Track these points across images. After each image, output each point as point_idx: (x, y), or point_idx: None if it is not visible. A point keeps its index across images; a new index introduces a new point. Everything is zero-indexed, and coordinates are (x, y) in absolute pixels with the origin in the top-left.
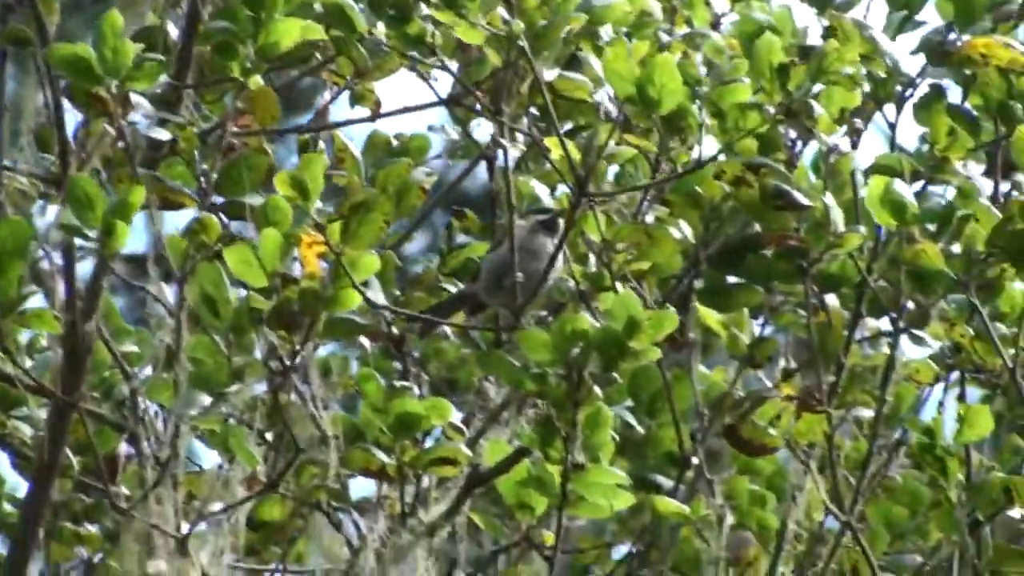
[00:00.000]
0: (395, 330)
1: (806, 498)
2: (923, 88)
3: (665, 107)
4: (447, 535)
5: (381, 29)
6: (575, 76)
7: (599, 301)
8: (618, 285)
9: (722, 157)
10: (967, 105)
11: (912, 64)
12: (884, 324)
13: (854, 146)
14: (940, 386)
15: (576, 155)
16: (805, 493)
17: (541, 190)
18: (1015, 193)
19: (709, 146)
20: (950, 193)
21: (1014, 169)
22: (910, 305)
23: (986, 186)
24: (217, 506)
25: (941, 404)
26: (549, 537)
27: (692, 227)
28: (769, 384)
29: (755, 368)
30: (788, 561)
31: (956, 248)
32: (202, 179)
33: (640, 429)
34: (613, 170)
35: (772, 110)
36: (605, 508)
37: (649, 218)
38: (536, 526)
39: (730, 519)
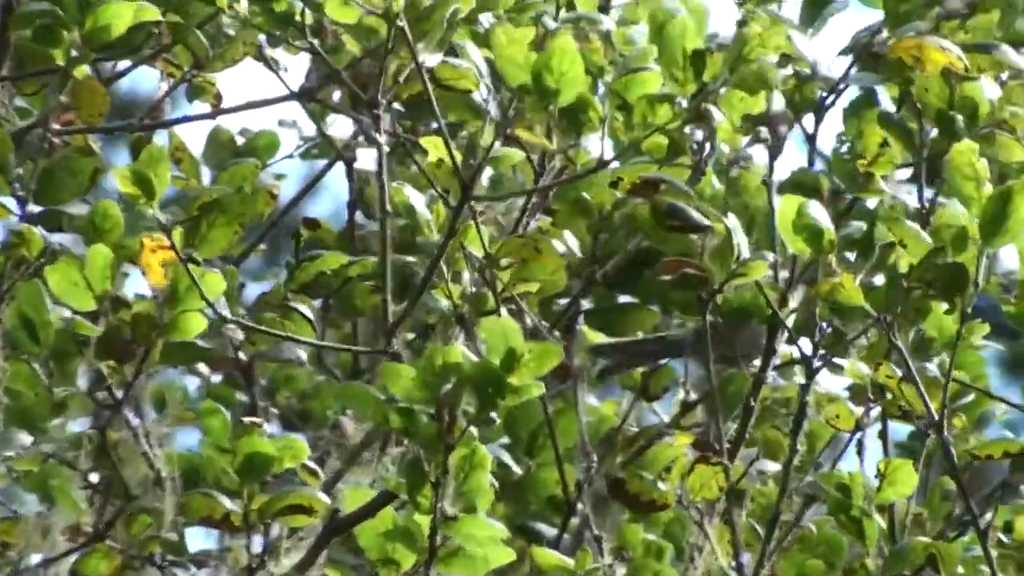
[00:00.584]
0: (243, 355)
1: (705, 559)
2: (851, 93)
3: (564, 98)
4: None
5: (244, 5)
6: (460, 63)
7: (479, 327)
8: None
9: (616, 163)
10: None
11: (837, 66)
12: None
13: (773, 158)
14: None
15: (458, 156)
16: (705, 555)
17: (416, 198)
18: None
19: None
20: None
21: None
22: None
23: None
24: (35, 559)
25: (860, 446)
26: None
27: (579, 239)
28: (666, 418)
29: (650, 401)
30: None
31: (879, 280)
32: (18, 185)
33: (518, 470)
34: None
35: (684, 103)
36: (481, 564)
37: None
38: None
39: (621, 573)
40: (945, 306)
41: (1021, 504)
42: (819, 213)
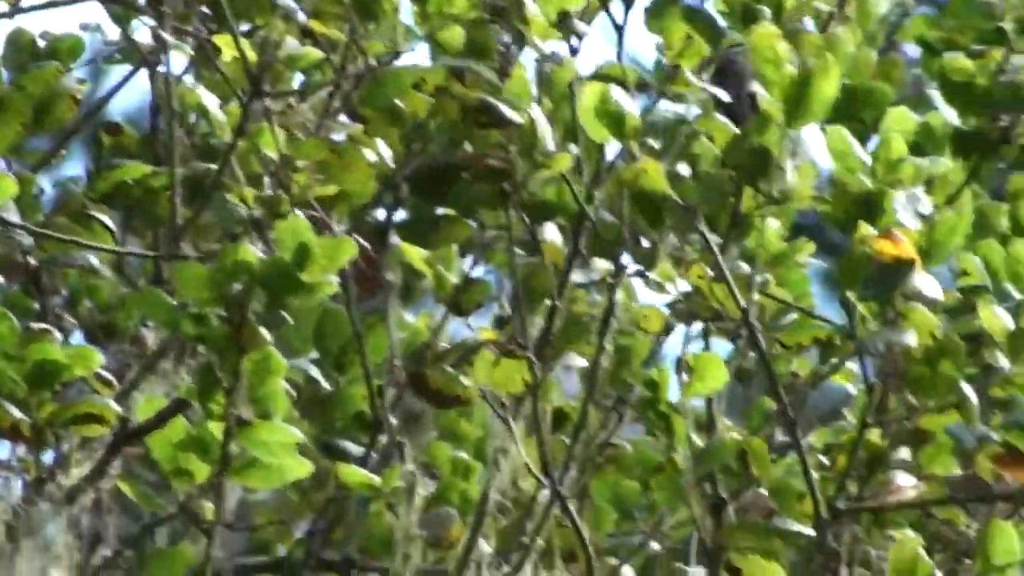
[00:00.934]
0: (33, 261)
1: (511, 464)
2: None
3: None
4: (92, 505)
5: None
6: None
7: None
8: (300, 213)
9: (426, 60)
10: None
11: None
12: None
13: (575, 52)
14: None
15: (252, 56)
16: (510, 457)
17: (209, 99)
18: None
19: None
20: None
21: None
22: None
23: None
24: None
25: (680, 359)
26: (209, 508)
27: (391, 147)
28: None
29: (463, 315)
30: (492, 537)
31: (684, 169)
32: None
33: (327, 386)
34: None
35: None
36: (276, 475)
37: (340, 136)
38: (197, 496)
39: (428, 491)
40: (774, 223)
41: (841, 426)
42: (622, 98)
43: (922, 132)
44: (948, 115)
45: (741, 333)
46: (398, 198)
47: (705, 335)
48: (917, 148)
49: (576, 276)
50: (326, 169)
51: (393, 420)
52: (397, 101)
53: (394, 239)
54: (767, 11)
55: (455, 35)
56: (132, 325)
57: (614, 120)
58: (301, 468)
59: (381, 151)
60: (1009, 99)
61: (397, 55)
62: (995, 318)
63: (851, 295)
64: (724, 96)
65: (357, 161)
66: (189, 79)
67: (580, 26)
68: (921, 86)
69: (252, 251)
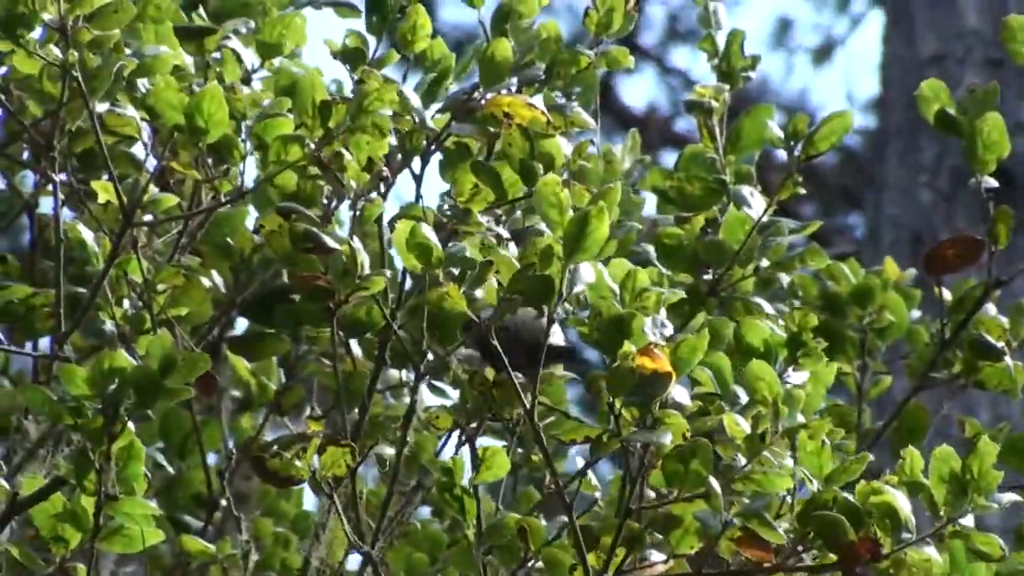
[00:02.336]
0: None
1: (330, 536)
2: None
3: (212, 135)
4: None
5: None
6: (125, 111)
7: (138, 344)
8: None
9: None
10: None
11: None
12: (407, 375)
13: (383, 196)
14: (457, 436)
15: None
16: (329, 531)
17: (87, 234)
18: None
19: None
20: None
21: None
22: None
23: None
24: None
25: (459, 448)
26: (82, 570)
27: (223, 277)
28: (296, 431)
29: (282, 415)
30: None
31: (479, 294)
32: None
33: (171, 470)
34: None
35: (313, 145)
36: (137, 541)
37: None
38: (71, 558)
39: (255, 558)
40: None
41: (587, 480)
42: (429, 233)
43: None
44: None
45: (517, 429)
46: (229, 319)
47: (477, 429)
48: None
49: (382, 384)
50: (175, 292)
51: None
52: (228, 240)
53: (225, 352)
54: (540, 168)
55: (288, 180)
56: (14, 418)
57: (423, 251)
58: (156, 536)
59: (215, 279)
60: (711, 256)
61: (242, 195)
62: (735, 424)
63: (617, 402)
64: (505, 235)
65: (195, 287)
66: (65, 216)
67: (385, 171)
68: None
69: (126, 359)
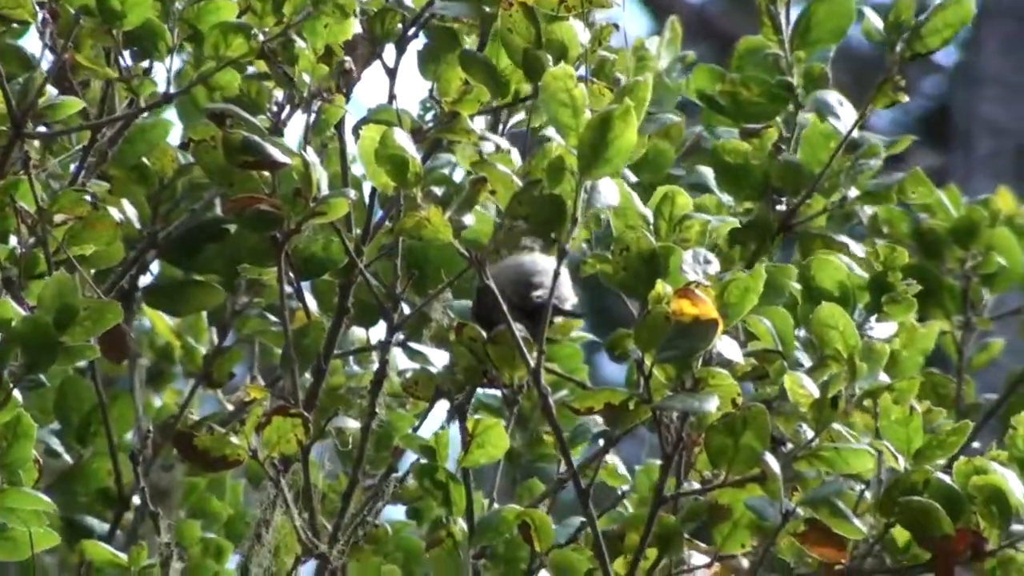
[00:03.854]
0: None
1: (275, 536)
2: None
3: (131, 20)
4: None
5: None
6: None
7: (28, 290)
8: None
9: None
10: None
11: None
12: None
13: (346, 96)
14: (444, 406)
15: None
16: (273, 530)
17: None
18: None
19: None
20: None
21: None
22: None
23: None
24: None
25: (451, 414)
26: None
27: (138, 208)
28: (231, 407)
29: (214, 387)
30: None
31: (468, 220)
32: None
33: (68, 458)
34: None
35: (262, 36)
36: (24, 545)
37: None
38: None
39: (178, 567)
40: None
41: (611, 466)
42: (405, 142)
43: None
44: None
45: (517, 400)
46: (145, 262)
47: (468, 400)
48: None
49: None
50: (74, 228)
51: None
52: (145, 159)
53: (139, 304)
54: (550, 59)
55: (230, 82)
56: None
57: (396, 164)
58: (49, 539)
59: (127, 211)
60: (786, 182)
61: (169, 99)
62: (799, 387)
63: (647, 358)
64: (504, 145)
65: (103, 221)
66: None
67: (348, 63)
68: (701, 142)
69: (13, 308)
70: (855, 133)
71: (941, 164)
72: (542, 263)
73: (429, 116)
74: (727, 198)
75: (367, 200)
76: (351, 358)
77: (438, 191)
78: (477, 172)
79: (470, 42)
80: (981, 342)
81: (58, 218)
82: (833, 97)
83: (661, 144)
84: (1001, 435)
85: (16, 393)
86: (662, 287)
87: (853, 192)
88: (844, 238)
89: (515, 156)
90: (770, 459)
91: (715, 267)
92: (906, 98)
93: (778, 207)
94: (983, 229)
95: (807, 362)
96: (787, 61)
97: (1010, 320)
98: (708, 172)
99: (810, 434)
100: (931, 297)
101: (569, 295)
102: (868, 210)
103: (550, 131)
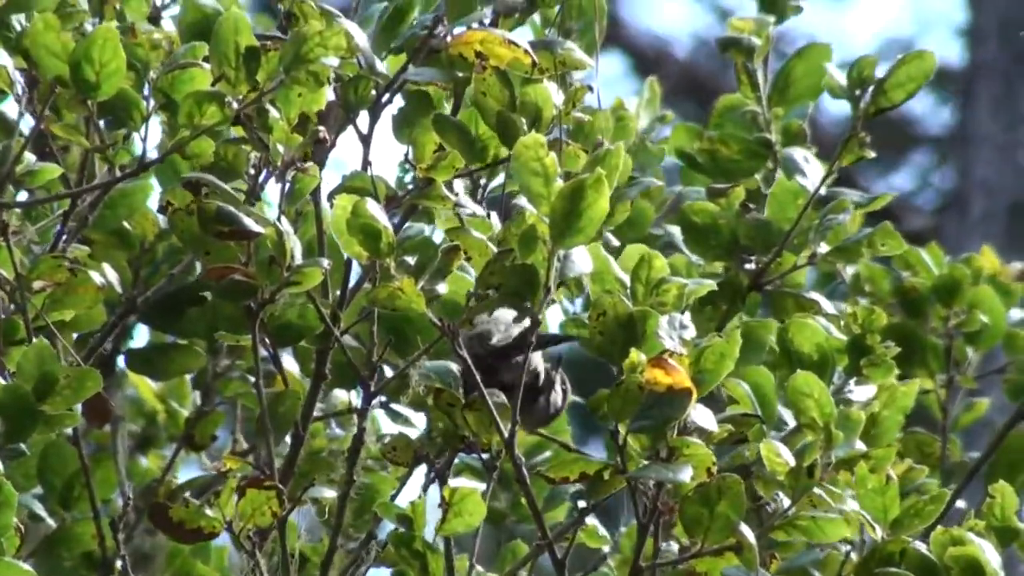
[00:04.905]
0: None
1: None
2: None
3: (105, 91)
4: None
5: None
6: None
7: (8, 357)
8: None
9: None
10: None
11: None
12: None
13: (320, 164)
14: (422, 471)
15: None
16: None
17: None
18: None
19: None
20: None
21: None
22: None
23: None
24: None
25: (425, 489)
26: None
27: (119, 272)
28: (213, 471)
29: (196, 450)
30: None
31: (442, 288)
32: None
33: (52, 523)
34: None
35: (236, 104)
36: None
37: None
38: None
39: None
40: None
41: (591, 527)
42: (377, 212)
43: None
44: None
45: (496, 466)
46: (126, 326)
47: (447, 466)
48: None
49: (319, 406)
50: (54, 293)
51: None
52: (125, 223)
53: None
54: (524, 122)
55: (204, 149)
56: None
57: (368, 234)
58: None
59: (108, 275)
60: (755, 240)
61: (145, 167)
62: (775, 455)
63: (621, 427)
64: (480, 211)
65: (85, 285)
66: None
67: (322, 132)
68: (681, 201)
69: None
70: (823, 189)
71: (934, 225)
72: (499, 314)
73: (408, 178)
74: (696, 258)
75: (344, 264)
76: (332, 420)
77: (411, 260)
78: (452, 239)
79: (447, 106)
80: (967, 401)
81: (37, 285)
82: (799, 154)
83: (641, 204)
84: (984, 496)
85: None
86: (636, 356)
87: (823, 248)
88: (819, 297)
89: (494, 220)
90: (745, 529)
91: (691, 332)
92: (872, 154)
93: (747, 266)
94: (966, 287)
95: (791, 421)
96: (765, 118)
97: (995, 379)
98: (678, 231)
99: (787, 502)
100: (914, 356)
101: (538, 361)
102: (850, 269)
103: (522, 200)
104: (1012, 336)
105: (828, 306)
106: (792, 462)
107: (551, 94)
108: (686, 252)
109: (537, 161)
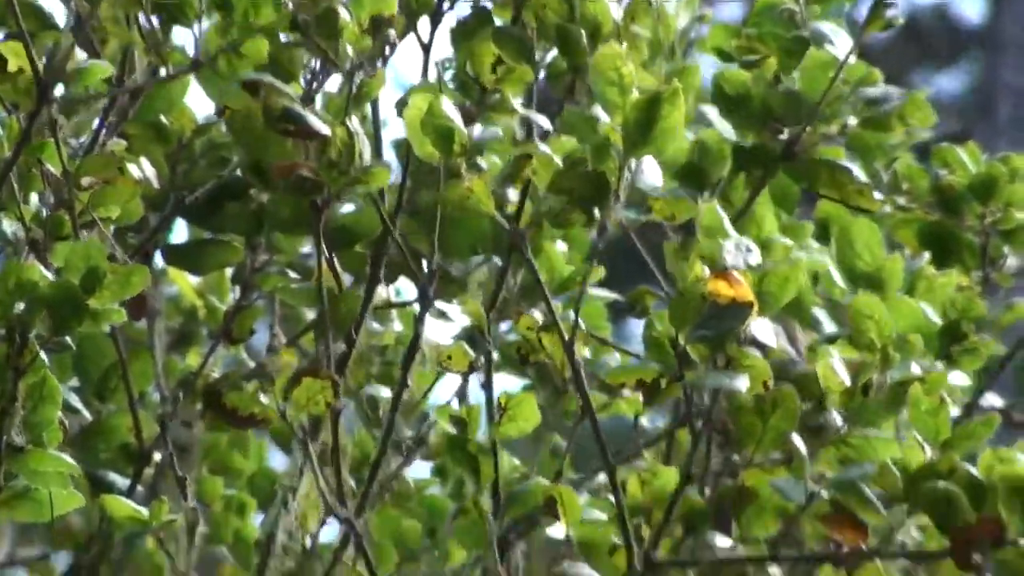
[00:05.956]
0: None
1: (302, 501)
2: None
3: None
4: None
5: None
6: None
7: (54, 252)
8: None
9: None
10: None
11: None
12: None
13: (382, 62)
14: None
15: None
16: (300, 495)
17: None
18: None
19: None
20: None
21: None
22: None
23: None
24: None
25: (463, 393)
26: None
27: (157, 167)
28: (251, 364)
29: (235, 343)
30: None
31: (512, 194)
32: None
33: (88, 415)
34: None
35: (291, 4)
36: (46, 508)
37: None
38: None
39: (203, 528)
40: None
41: (640, 466)
42: (452, 112)
43: (697, 150)
44: (725, 131)
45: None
46: (164, 221)
47: (488, 368)
48: (691, 168)
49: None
50: (104, 183)
51: (159, 453)
52: (163, 118)
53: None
54: (584, 35)
55: (258, 50)
56: None
57: (442, 135)
58: (73, 500)
59: (147, 170)
60: (787, 111)
61: (196, 67)
62: (832, 373)
63: (681, 336)
64: (547, 125)
65: (123, 179)
66: None
67: (393, 35)
68: None
69: (40, 271)
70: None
71: (960, 129)
72: None
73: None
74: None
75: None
76: (371, 317)
77: (481, 164)
78: (520, 150)
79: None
80: (1005, 302)
81: (85, 181)
82: (827, 26)
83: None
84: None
85: (42, 355)
86: (699, 268)
87: (852, 120)
88: (850, 165)
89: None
90: (797, 440)
91: (756, 256)
92: (901, 21)
93: (780, 136)
94: (1002, 185)
95: (827, 324)
96: (803, 16)
97: None
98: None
99: (839, 420)
100: (950, 253)
101: None
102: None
103: (596, 109)
104: None
105: (860, 175)
106: (848, 381)
107: (609, 8)
108: (716, 127)
109: (615, 71)
